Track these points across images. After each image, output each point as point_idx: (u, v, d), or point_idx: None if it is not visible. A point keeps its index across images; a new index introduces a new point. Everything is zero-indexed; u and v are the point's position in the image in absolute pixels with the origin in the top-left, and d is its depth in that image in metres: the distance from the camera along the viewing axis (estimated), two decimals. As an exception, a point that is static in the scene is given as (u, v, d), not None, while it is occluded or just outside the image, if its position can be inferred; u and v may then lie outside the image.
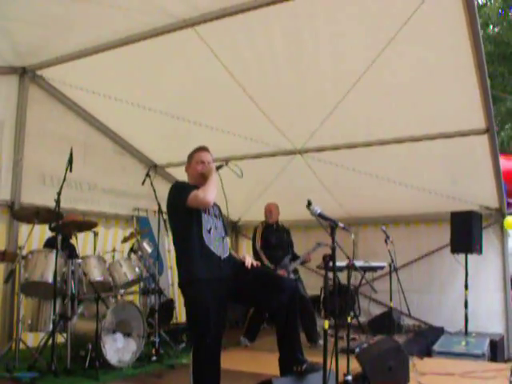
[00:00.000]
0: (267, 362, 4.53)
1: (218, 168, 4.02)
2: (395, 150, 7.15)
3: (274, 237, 7.01)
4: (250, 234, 7.51)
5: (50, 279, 5.41)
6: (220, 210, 4.20)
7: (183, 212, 3.86)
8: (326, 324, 3.12)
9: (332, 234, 3.17)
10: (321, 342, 4.12)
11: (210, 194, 3.82)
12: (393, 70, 5.82)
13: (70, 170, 5.57)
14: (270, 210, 7.14)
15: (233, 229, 10.47)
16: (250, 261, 4.00)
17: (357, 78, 5.92)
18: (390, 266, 6.87)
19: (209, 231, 3.89)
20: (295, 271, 6.92)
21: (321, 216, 3.24)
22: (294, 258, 7.06)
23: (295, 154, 7.93)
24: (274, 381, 3.44)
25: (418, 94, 6.12)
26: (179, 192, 3.92)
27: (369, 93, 6.16)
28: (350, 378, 4.69)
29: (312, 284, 7.95)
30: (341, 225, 3.26)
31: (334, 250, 3.13)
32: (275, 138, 7.45)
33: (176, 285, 4.07)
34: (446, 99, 6.09)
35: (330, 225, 3.22)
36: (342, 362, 4.66)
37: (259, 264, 4.09)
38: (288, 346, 3.79)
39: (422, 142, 6.90)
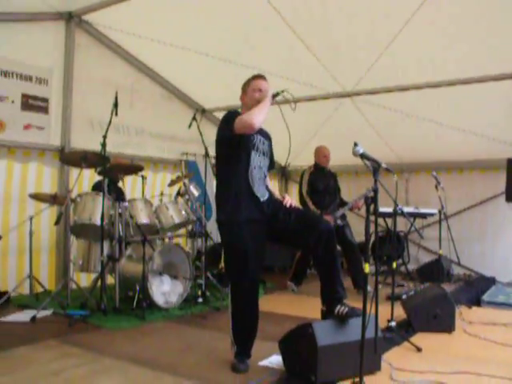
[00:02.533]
0: (312, 306, 4.54)
1: (274, 96, 3.78)
2: (449, 93, 6.83)
3: (321, 182, 6.90)
4: (298, 179, 7.44)
5: (98, 221, 5.52)
6: (270, 146, 4.06)
7: (231, 146, 3.74)
8: (367, 267, 3.05)
9: (375, 175, 3.06)
10: (369, 288, 4.12)
11: (256, 116, 3.59)
12: (448, 5, 5.48)
13: (116, 114, 5.59)
14: (326, 154, 6.99)
15: (282, 174, 10.45)
16: (289, 200, 3.93)
17: (409, 15, 5.64)
18: (440, 212, 6.70)
19: (254, 170, 3.80)
20: (343, 217, 6.83)
21: (363, 156, 3.13)
22: (342, 203, 6.97)
23: (345, 97, 7.74)
24: (314, 324, 3.43)
25: (476, 31, 5.72)
26: (227, 121, 3.74)
27: (421, 32, 5.86)
28: (393, 323, 4.67)
29: (362, 230, 7.85)
30: (384, 165, 3.14)
31: (376, 191, 3.03)
32: (325, 82, 7.27)
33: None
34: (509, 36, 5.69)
35: (373, 166, 3.11)
36: (388, 308, 4.65)
37: (297, 205, 4.02)
38: (328, 283, 3.76)
39: (478, 84, 6.54)
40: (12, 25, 6.29)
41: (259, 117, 3.59)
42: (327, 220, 4.03)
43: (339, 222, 6.63)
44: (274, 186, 9.79)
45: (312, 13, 6.05)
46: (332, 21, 6.13)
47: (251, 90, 3.89)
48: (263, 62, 6.71)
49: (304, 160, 7.71)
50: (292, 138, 3.79)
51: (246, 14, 6.25)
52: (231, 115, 3.74)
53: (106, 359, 3.94)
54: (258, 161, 3.84)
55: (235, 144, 3.74)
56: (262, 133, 3.97)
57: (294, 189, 10.29)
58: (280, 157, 4.36)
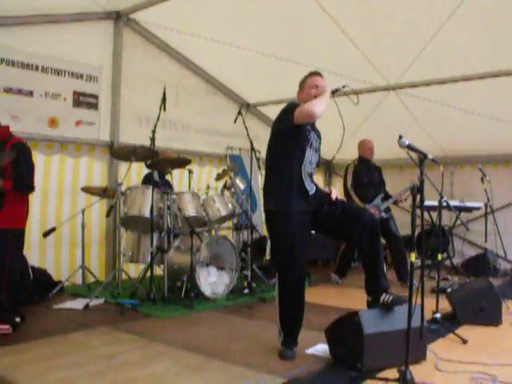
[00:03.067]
0: (356, 298, 4.61)
1: (333, 92, 3.84)
2: (495, 85, 6.73)
3: (365, 175, 6.92)
4: (342, 173, 7.47)
5: (147, 214, 5.69)
6: (320, 143, 4.11)
7: (288, 137, 3.82)
8: (413, 257, 3.09)
9: (421, 167, 3.09)
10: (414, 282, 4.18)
11: (317, 105, 3.65)
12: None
13: (164, 109, 5.75)
14: (370, 146, 7.02)
15: (326, 167, 10.48)
16: (335, 193, 4.00)
17: (453, 7, 5.61)
18: (486, 206, 6.63)
19: (307, 165, 3.88)
20: (387, 210, 6.84)
21: (409, 147, 3.16)
22: (387, 197, 6.98)
23: (388, 90, 7.73)
24: (361, 312, 3.49)
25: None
26: (287, 111, 3.81)
27: (466, 24, 5.81)
28: (438, 315, 4.69)
29: (407, 223, 7.84)
30: (430, 156, 3.16)
31: (422, 182, 3.06)
32: (369, 75, 7.27)
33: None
34: None
35: (419, 157, 3.14)
36: (432, 300, 4.67)
37: (343, 198, 4.08)
38: (372, 274, 3.81)
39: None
40: (64, 25, 6.53)
41: (320, 106, 3.66)
42: (372, 212, 4.08)
43: (383, 214, 6.64)
44: (317, 179, 9.86)
45: (356, 6, 6.07)
46: (376, 14, 6.14)
47: (308, 87, 3.96)
48: (307, 56, 6.77)
49: (348, 154, 7.70)
50: (336, 132, 3.85)
51: (290, 8, 6.30)
52: (291, 106, 3.81)
53: (157, 345, 4.09)
54: (310, 156, 3.93)
55: (292, 135, 3.82)
56: (316, 130, 4.05)
57: (337, 182, 10.31)
58: (324, 151, 4.41)
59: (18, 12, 6.00)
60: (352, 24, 6.40)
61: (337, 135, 3.91)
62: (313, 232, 4.11)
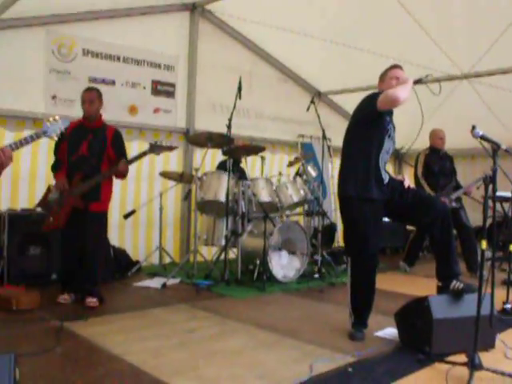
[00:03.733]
0: (425, 286, 4.65)
1: (416, 82, 3.91)
2: None
3: (436, 164, 6.89)
4: (413, 162, 7.45)
5: (223, 198, 5.93)
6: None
7: (369, 124, 3.91)
8: (483, 244, 3.15)
9: (494, 157, 3.13)
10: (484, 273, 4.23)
11: (401, 91, 3.70)
12: None
13: (240, 98, 5.94)
14: (441, 136, 6.98)
15: (396, 157, 10.43)
16: (408, 181, 4.10)
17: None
18: None
19: (384, 154, 3.98)
20: (458, 200, 6.81)
21: (483, 138, 3.20)
22: (457, 186, 6.94)
23: (461, 79, 7.62)
24: (430, 298, 3.57)
25: None
26: (370, 98, 3.91)
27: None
28: (509, 306, 4.67)
29: (477, 215, 7.74)
30: (503, 147, 3.20)
31: (495, 172, 3.10)
32: (441, 63, 7.16)
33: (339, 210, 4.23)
34: None
35: (492, 147, 3.18)
36: (503, 292, 4.67)
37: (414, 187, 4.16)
38: (443, 260, 3.88)
39: None
40: (143, 18, 6.85)
41: (403, 92, 3.72)
42: (443, 201, 4.14)
43: (454, 204, 6.62)
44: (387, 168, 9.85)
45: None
46: (449, 2, 6.09)
47: (389, 79, 4.04)
48: (379, 45, 6.80)
49: (419, 143, 7.69)
50: (408, 121, 3.91)
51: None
52: (374, 94, 3.91)
53: (231, 322, 4.31)
54: (387, 146, 4.01)
55: (373, 124, 3.91)
56: (392, 122, 4.13)
57: (407, 171, 10.23)
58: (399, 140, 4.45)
59: (100, 6, 6.36)
60: (425, 13, 6.36)
61: (406, 125, 3.96)
62: (386, 219, 4.22)
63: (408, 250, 7.27)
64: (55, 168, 4.88)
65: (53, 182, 4.90)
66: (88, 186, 4.70)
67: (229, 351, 3.56)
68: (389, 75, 4.05)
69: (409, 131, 4.02)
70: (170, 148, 5.09)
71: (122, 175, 4.92)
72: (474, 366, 3.06)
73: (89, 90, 4.95)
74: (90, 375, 3.05)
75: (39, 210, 5.20)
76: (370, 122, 3.91)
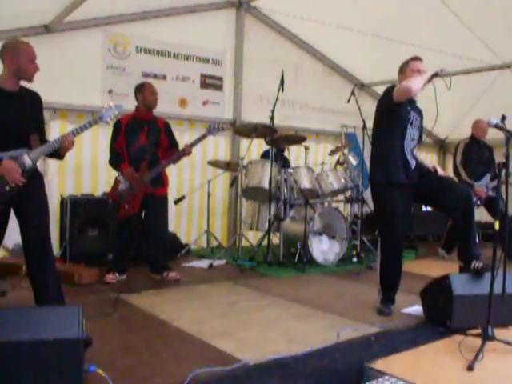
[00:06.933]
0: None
1: (433, 76, 4.07)
2: None
3: (475, 153, 7.02)
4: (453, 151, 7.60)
5: (266, 185, 6.30)
6: (422, 122, 4.43)
7: (390, 116, 4.18)
8: (497, 224, 3.41)
9: (507, 144, 3.36)
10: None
11: (414, 82, 3.91)
12: None
13: (282, 90, 6.27)
14: (484, 128, 7.02)
15: (440, 146, 10.55)
16: (440, 170, 4.39)
17: None
18: None
19: (408, 141, 4.24)
20: (495, 189, 6.94)
21: (497, 126, 3.43)
22: (496, 176, 7.07)
23: (503, 68, 7.72)
24: (451, 276, 3.85)
25: None
26: (387, 91, 4.18)
27: None
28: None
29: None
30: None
31: (507, 157, 3.34)
32: (482, 54, 7.29)
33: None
34: None
35: (506, 136, 3.40)
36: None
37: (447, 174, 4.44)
38: (464, 243, 4.16)
39: None
40: (192, 15, 7.29)
41: (416, 83, 3.95)
42: (466, 187, 4.39)
43: (491, 193, 6.79)
44: (430, 159, 10.00)
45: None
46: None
47: (410, 71, 4.26)
48: (417, 36, 6.95)
49: (461, 133, 7.83)
50: (449, 112, 4.07)
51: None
52: (391, 87, 4.20)
53: (270, 297, 4.72)
54: (411, 133, 4.28)
55: (393, 113, 4.17)
56: (416, 110, 4.38)
57: (451, 161, 10.32)
58: (438, 130, 4.65)
59: (153, 7, 6.84)
60: (463, 5, 6.52)
61: (448, 114, 4.12)
62: (429, 209, 4.47)
63: (446, 237, 7.46)
64: (117, 161, 5.25)
65: (115, 173, 5.33)
66: (157, 171, 5.18)
67: (265, 320, 3.96)
68: (410, 67, 4.26)
69: (452, 121, 4.23)
70: (223, 129, 5.66)
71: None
72: (486, 336, 3.33)
73: (151, 84, 5.40)
74: (142, 335, 3.52)
75: (98, 195, 5.71)
76: (390, 112, 4.18)
